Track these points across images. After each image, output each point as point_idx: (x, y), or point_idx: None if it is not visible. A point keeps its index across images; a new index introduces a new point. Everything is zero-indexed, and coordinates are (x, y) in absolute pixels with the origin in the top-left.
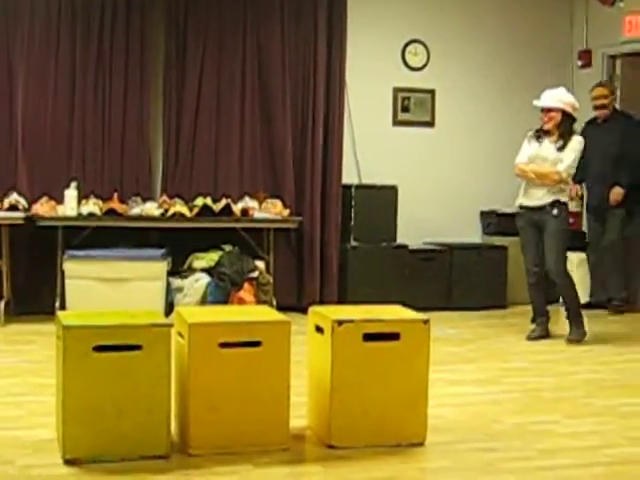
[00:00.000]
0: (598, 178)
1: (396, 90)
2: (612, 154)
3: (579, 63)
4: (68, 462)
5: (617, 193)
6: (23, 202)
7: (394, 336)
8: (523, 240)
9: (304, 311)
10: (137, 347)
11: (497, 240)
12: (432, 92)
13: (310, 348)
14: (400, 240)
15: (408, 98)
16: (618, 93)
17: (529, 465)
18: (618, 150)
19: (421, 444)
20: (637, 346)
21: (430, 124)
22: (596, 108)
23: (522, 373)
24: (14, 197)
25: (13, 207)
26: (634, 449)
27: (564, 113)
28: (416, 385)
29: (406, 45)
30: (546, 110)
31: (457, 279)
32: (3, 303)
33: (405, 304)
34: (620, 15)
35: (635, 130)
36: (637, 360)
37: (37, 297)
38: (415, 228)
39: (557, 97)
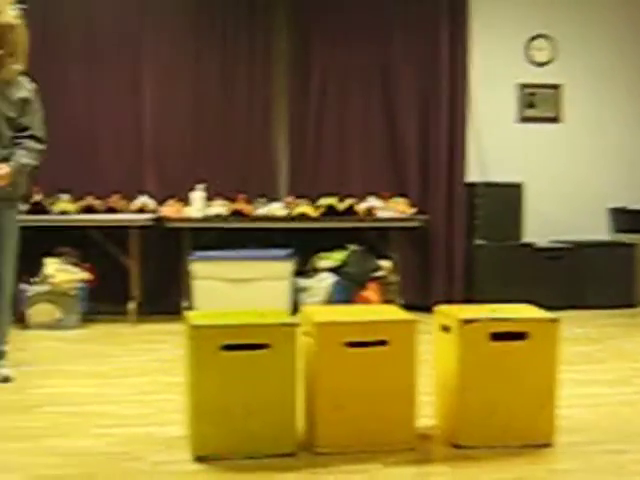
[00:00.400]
0: None
1: (521, 86)
2: None
3: None
4: (198, 459)
5: None
6: (151, 204)
7: (522, 335)
8: None
9: (430, 310)
10: (264, 346)
11: (627, 237)
12: (557, 87)
13: (436, 347)
14: (526, 238)
15: (533, 94)
16: None
17: None
18: None
19: (550, 445)
20: None
21: (555, 120)
22: None
23: None
24: (143, 200)
25: (142, 209)
26: None
27: None
28: (544, 385)
29: (531, 40)
30: None
31: (585, 277)
32: (134, 303)
33: (532, 303)
34: None
35: None
36: None
37: (166, 297)
38: (541, 225)
39: None
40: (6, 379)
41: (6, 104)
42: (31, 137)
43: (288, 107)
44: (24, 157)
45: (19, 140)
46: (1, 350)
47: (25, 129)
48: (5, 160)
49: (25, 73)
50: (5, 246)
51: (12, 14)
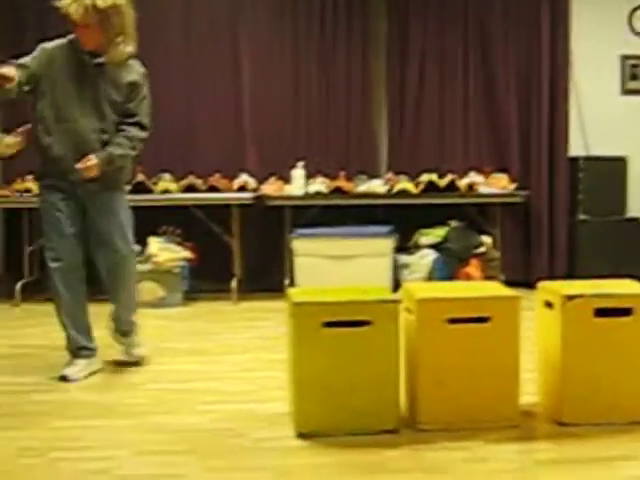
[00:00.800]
0: None
1: (624, 57)
2: None
3: None
4: (300, 436)
5: None
6: (252, 183)
7: (626, 311)
8: None
9: (532, 286)
10: (366, 323)
11: None
12: None
13: (539, 324)
14: (630, 213)
15: (636, 65)
16: None
17: None
18: None
19: None
20: None
21: None
22: None
23: None
24: (244, 178)
25: (243, 188)
26: None
27: None
28: None
29: (634, 11)
30: None
31: None
32: (235, 281)
33: (636, 278)
34: None
35: None
36: None
37: (267, 275)
38: None
39: None
40: (139, 361)
41: (113, 87)
42: (136, 124)
43: (387, 87)
44: (119, 148)
45: (123, 126)
46: (132, 322)
47: (132, 115)
48: (107, 144)
49: (136, 56)
50: (110, 226)
51: None
